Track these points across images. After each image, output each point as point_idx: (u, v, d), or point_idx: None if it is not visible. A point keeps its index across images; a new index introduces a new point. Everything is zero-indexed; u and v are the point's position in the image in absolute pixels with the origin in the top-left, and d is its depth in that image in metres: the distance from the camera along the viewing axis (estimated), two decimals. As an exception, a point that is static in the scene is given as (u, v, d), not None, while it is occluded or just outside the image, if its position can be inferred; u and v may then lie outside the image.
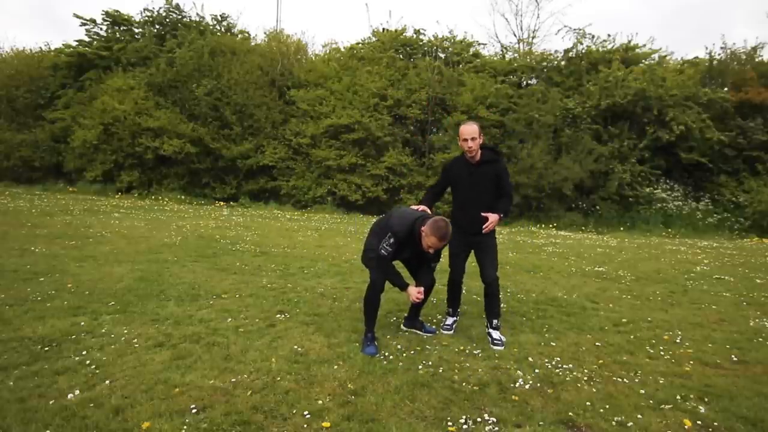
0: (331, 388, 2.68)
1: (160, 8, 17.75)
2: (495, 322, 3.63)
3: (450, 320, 3.88)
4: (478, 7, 40.16)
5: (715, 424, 2.44)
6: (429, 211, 3.54)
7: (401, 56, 16.37)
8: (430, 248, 3.19)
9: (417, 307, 3.68)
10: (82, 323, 3.52)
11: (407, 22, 29.89)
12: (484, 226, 3.54)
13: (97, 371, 2.75)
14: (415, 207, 3.59)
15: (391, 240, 3.24)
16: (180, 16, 17.83)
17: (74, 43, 17.85)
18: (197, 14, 18.70)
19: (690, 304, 4.90)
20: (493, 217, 3.53)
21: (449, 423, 2.37)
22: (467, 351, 3.35)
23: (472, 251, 3.80)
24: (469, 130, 3.58)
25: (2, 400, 2.39)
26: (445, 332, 3.74)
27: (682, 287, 5.71)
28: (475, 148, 3.60)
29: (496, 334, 3.57)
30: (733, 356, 3.39)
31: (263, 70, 15.91)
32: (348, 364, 3.01)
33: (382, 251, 3.26)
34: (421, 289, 3.33)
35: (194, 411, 2.37)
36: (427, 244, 3.16)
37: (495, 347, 3.45)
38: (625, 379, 2.94)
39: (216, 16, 18.24)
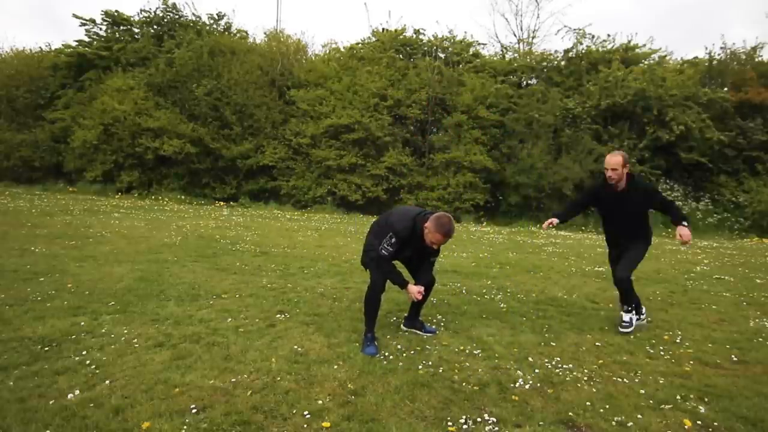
0: (331, 388, 2.68)
1: (157, 8, 17.76)
2: (625, 307, 3.89)
3: (630, 317, 3.93)
4: (478, 7, 40.21)
5: (715, 424, 2.44)
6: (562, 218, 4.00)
7: (401, 56, 16.36)
8: (434, 244, 3.22)
9: (417, 307, 3.68)
10: (82, 323, 3.51)
11: (407, 22, 29.94)
12: (684, 242, 3.60)
13: (97, 371, 2.75)
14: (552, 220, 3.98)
15: (393, 240, 3.24)
16: (177, 16, 17.79)
17: (74, 44, 17.86)
18: (192, 13, 18.61)
19: (690, 304, 4.90)
20: (685, 234, 3.55)
21: (449, 423, 2.37)
22: (467, 351, 3.34)
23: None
24: (612, 161, 3.70)
25: (2, 400, 2.39)
26: (624, 330, 3.81)
27: (682, 287, 5.71)
28: (615, 178, 3.71)
29: (626, 317, 3.86)
30: (733, 356, 3.39)
31: (263, 70, 15.91)
32: (348, 364, 3.01)
33: (383, 251, 3.26)
34: (422, 288, 3.33)
35: (194, 411, 2.37)
36: (431, 240, 3.18)
37: (621, 329, 3.80)
38: (625, 379, 2.94)
39: (212, 15, 18.18)
